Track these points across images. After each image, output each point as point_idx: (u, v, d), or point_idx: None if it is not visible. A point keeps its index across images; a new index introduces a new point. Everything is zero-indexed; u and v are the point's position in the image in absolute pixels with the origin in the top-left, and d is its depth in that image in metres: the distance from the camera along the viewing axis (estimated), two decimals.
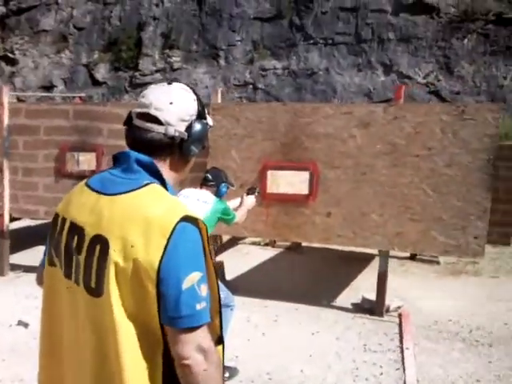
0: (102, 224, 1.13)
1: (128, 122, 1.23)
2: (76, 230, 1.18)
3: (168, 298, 1.07)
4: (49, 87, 23.00)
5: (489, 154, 3.94)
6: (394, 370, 3.46)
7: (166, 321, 1.08)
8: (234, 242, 6.89)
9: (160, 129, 1.19)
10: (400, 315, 4.40)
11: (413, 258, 6.24)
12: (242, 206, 3.70)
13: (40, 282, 1.33)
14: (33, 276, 1.31)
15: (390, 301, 4.55)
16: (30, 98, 19.87)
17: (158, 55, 24.86)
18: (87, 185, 1.23)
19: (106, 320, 1.10)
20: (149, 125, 1.19)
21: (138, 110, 1.22)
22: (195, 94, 1.27)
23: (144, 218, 1.09)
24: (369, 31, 23.78)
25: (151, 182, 1.16)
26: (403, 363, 3.52)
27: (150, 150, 1.19)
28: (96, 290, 1.12)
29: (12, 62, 22.51)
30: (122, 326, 1.09)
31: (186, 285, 1.07)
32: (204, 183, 3.56)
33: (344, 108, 4.38)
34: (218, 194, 3.51)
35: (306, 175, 4.41)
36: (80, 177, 5.04)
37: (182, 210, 1.12)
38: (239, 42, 25.31)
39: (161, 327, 1.10)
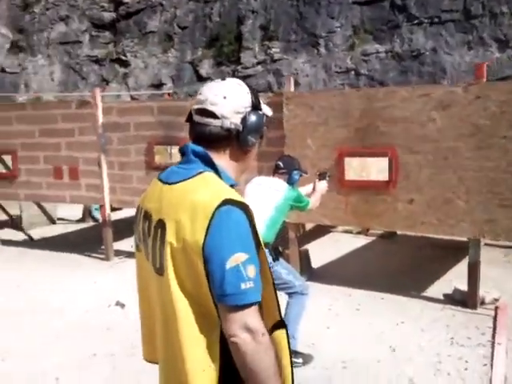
0: (162, 209, 1.26)
1: (189, 118, 1.34)
2: (147, 216, 1.33)
3: (214, 277, 1.14)
4: (158, 85, 24.35)
5: None
6: (481, 366, 3.25)
7: (216, 298, 1.15)
8: (326, 230, 6.83)
9: (217, 122, 1.28)
10: (496, 308, 4.09)
11: None
12: (315, 191, 3.66)
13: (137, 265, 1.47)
14: (134, 261, 1.47)
15: (486, 292, 4.24)
16: (142, 96, 21.14)
17: (258, 47, 25.21)
18: (158, 178, 1.35)
19: (167, 297, 1.21)
20: (206, 119, 1.28)
21: (196, 106, 1.31)
22: (248, 87, 1.33)
23: (191, 202, 1.19)
24: (479, 6, 22.12)
25: (204, 171, 1.25)
26: (492, 359, 3.28)
27: (209, 143, 1.29)
28: (160, 269, 1.25)
29: (125, 63, 24.10)
30: (179, 303, 1.19)
31: (230, 264, 1.13)
32: (276, 171, 3.57)
33: (420, 90, 4.15)
34: (290, 182, 3.49)
35: (384, 161, 4.25)
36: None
37: (226, 193, 1.19)
38: (339, 29, 24.80)
39: (215, 305, 1.17)
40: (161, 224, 1.24)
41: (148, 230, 1.31)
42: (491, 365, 3.22)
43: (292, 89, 4.79)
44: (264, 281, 1.21)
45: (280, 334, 1.29)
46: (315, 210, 4.72)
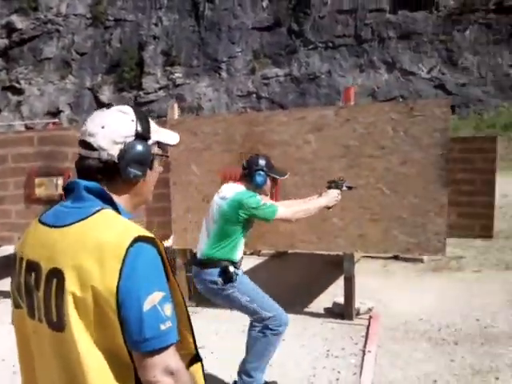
0: (56, 257, 1.11)
1: None
2: (32, 267, 1.16)
3: (130, 322, 1.05)
4: (55, 113, 23.49)
5: (441, 149, 3.89)
6: (351, 375, 3.42)
7: (131, 346, 1.07)
8: None
9: (94, 154, 1.18)
10: (370, 317, 4.34)
11: (396, 257, 6.16)
12: (315, 200, 3.03)
13: (13, 323, 1.30)
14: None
15: (361, 303, 4.49)
16: (38, 124, 20.26)
17: (160, 73, 25.20)
18: (40, 221, 1.22)
19: (72, 353, 1.09)
20: (86, 151, 1.19)
21: (79, 137, 1.22)
22: (137, 114, 1.23)
23: (96, 245, 1.07)
24: (368, 31, 23.78)
25: (102, 208, 1.15)
26: (362, 367, 3.47)
27: (91, 177, 1.19)
28: (58, 324, 1.11)
29: (18, 91, 23.06)
30: (87, 357, 1.08)
31: (147, 306, 1.06)
32: (240, 174, 3.07)
33: (297, 114, 4.38)
34: (254, 185, 2.95)
35: None
36: (49, 201, 5.13)
37: (134, 230, 1.11)
38: (239, 53, 25.51)
39: (129, 353, 1.09)
40: (55, 273, 1.10)
41: (36, 282, 1.15)
42: (360, 373, 3.41)
43: (176, 115, 4.86)
44: (179, 312, 1.17)
45: (197, 368, 1.27)
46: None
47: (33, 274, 1.15)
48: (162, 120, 6.30)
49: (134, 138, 1.20)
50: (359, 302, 4.47)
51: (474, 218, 6.16)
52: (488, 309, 4.40)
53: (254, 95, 23.80)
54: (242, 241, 2.98)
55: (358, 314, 4.40)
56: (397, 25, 23.82)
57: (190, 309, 4.25)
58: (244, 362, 3.06)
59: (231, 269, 2.85)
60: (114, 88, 23.67)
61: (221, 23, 25.66)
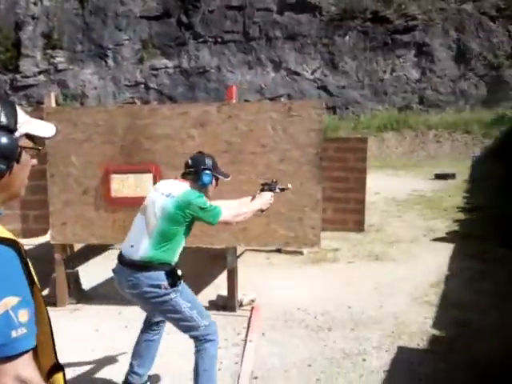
0: None
1: None
2: None
3: None
4: None
5: (316, 148, 4.13)
6: (233, 364, 3.53)
7: None
8: (102, 248, 6.68)
9: None
10: (252, 308, 4.50)
11: (279, 250, 6.43)
12: (250, 202, 2.98)
13: None
14: None
15: (243, 295, 4.64)
16: None
17: (40, 56, 23.59)
18: None
19: None
20: None
21: None
22: (2, 104, 1.17)
23: None
24: (256, 29, 24.28)
25: None
26: (243, 357, 3.60)
27: None
28: None
29: None
30: None
31: None
32: (184, 172, 2.94)
33: (180, 108, 4.39)
34: (201, 184, 2.85)
35: (149, 177, 4.37)
36: None
37: None
38: (127, 41, 24.69)
39: None
40: None
41: None
42: (241, 362, 3.54)
43: (53, 104, 4.62)
44: (40, 322, 1.12)
45: (58, 377, 1.23)
46: (82, 230, 4.64)
47: None
48: (39, 107, 5.96)
49: None
50: (242, 294, 4.61)
51: (347, 212, 6.61)
52: (358, 297, 4.77)
53: (143, 86, 23.22)
54: (183, 242, 2.84)
55: (240, 305, 4.54)
56: (283, 25, 24.57)
57: (70, 306, 4.16)
58: None
59: (179, 272, 2.75)
60: None
61: (106, 8, 24.60)
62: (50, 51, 23.31)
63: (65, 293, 4.71)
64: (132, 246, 2.76)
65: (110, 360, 3.69)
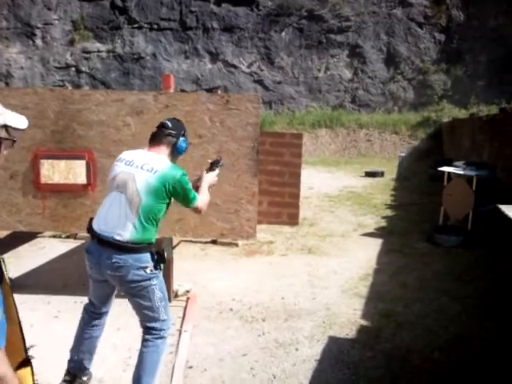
0: None
1: None
2: None
3: None
4: None
5: (253, 142, 4.17)
6: (167, 355, 3.49)
7: None
8: (29, 236, 6.40)
9: None
10: (187, 299, 4.49)
11: (214, 242, 6.44)
12: (201, 185, 2.88)
13: None
14: None
15: (179, 285, 4.61)
16: None
17: None
18: None
19: None
20: None
21: None
22: None
23: None
24: (193, 19, 23.98)
25: None
26: (178, 346, 3.59)
27: None
28: None
29: None
30: None
31: None
32: (157, 135, 2.72)
33: (114, 95, 4.26)
34: (176, 152, 2.75)
35: (82, 164, 4.22)
36: None
37: None
38: (57, 21, 23.58)
39: None
40: None
41: None
42: (176, 351, 3.52)
43: None
44: (9, 320, 1.15)
45: (25, 372, 1.28)
46: (8, 216, 4.41)
47: None
48: None
49: None
50: (177, 285, 4.59)
51: (282, 206, 6.75)
52: (292, 288, 4.87)
53: (74, 69, 22.33)
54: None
55: (176, 296, 4.51)
56: (220, 17, 24.43)
57: None
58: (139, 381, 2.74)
59: (165, 253, 2.64)
60: None
61: None
62: None
63: None
64: (113, 227, 2.60)
65: (41, 351, 3.55)
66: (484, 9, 21.73)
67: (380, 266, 5.55)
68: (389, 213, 8.38)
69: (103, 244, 2.62)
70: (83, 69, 23.23)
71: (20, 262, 5.31)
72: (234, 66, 24.30)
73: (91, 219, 2.84)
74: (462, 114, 18.43)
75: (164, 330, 2.78)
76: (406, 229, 7.19)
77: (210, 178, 2.96)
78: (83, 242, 6.44)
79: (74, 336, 3.01)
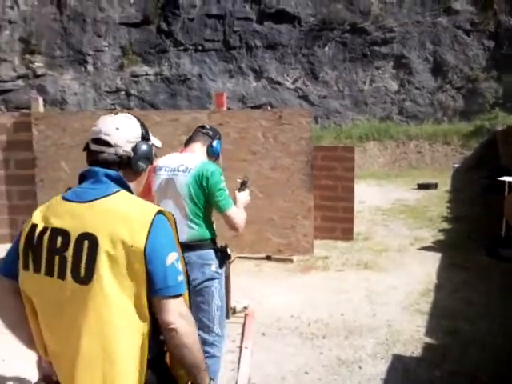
0: (86, 224, 1.41)
1: (87, 147, 1.61)
2: (59, 233, 1.43)
3: (157, 273, 1.38)
4: None
5: (307, 156, 4.15)
6: (229, 372, 3.49)
7: (154, 293, 1.39)
8: None
9: (111, 150, 1.53)
10: (246, 315, 4.47)
11: (269, 258, 6.40)
12: (237, 205, 2.85)
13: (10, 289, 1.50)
14: None
15: (237, 302, 4.60)
16: None
17: (17, 61, 23.22)
18: (63, 198, 1.51)
19: (97, 300, 1.36)
20: (100, 147, 1.55)
21: (92, 136, 1.57)
22: (138, 120, 1.62)
23: (125, 215, 1.41)
24: (236, 38, 24.37)
25: (120, 190, 1.49)
26: (239, 363, 3.57)
27: (108, 167, 1.52)
28: (85, 278, 1.38)
29: None
30: (113, 303, 1.36)
31: (168, 262, 1.40)
32: (194, 135, 2.80)
33: (170, 115, 4.36)
34: (210, 152, 2.78)
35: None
36: None
37: (154, 207, 1.48)
38: (106, 48, 24.48)
39: (148, 303, 1.39)
40: (86, 237, 1.40)
41: (62, 245, 1.41)
42: (238, 368, 3.50)
43: (41, 109, 4.54)
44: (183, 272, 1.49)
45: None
46: None
47: (59, 238, 1.43)
48: (23, 112, 5.87)
49: (140, 139, 1.59)
50: (235, 301, 4.58)
51: (336, 221, 6.66)
52: (350, 305, 4.77)
53: (123, 92, 23.07)
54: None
55: (234, 312, 4.50)
56: (263, 35, 24.72)
57: None
58: None
59: (228, 249, 2.62)
60: None
61: (85, 14, 24.41)
62: (28, 56, 23.01)
63: None
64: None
65: None
66: None
67: (441, 281, 5.37)
68: (446, 226, 8.12)
69: None
70: (132, 92, 23.98)
71: None
72: (279, 83, 24.46)
73: None
74: None
75: (216, 346, 2.71)
76: (465, 242, 6.94)
77: (243, 197, 2.93)
78: None
79: None
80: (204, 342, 2.65)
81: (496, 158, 15.69)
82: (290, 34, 23.73)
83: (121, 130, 1.54)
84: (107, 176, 1.50)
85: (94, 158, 1.55)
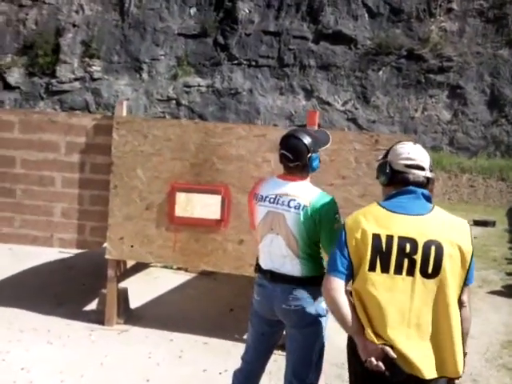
0: (428, 233, 1.87)
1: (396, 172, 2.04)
2: (406, 240, 1.87)
3: (471, 270, 1.91)
4: None
5: None
6: None
7: (469, 281, 1.92)
8: (143, 264, 6.42)
9: (423, 173, 2.01)
10: None
11: None
12: None
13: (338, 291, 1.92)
14: None
15: None
16: None
17: (77, 63, 23.78)
18: (389, 210, 1.95)
19: (441, 289, 1.85)
20: (419, 172, 2.00)
21: (408, 162, 2.01)
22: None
23: (453, 224, 1.93)
24: (291, 56, 24.33)
25: (433, 205, 1.97)
26: None
27: (419, 187, 1.98)
28: (432, 274, 1.86)
29: None
30: (451, 295, 1.86)
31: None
32: (286, 168, 2.50)
33: (257, 130, 4.16)
34: (311, 172, 2.55)
35: (217, 199, 4.12)
36: None
37: (464, 220, 1.98)
38: (163, 57, 24.86)
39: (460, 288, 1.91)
40: (433, 243, 1.86)
41: (411, 249, 1.86)
42: None
43: (124, 113, 4.42)
44: None
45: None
46: (140, 247, 4.38)
47: (407, 245, 1.86)
48: (106, 115, 5.80)
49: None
50: None
51: None
52: None
53: (174, 102, 23.30)
54: None
55: None
56: (318, 55, 24.60)
57: (118, 326, 3.82)
58: None
59: None
60: (24, 71, 21.94)
61: (146, 23, 24.90)
62: (87, 59, 23.59)
63: (114, 311, 4.44)
64: (281, 266, 2.46)
65: None
66: None
67: None
68: None
69: (277, 278, 2.45)
70: (183, 102, 24.20)
71: (137, 292, 5.27)
72: (329, 104, 24.24)
73: (257, 258, 2.67)
74: None
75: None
76: None
77: None
78: (194, 275, 6.37)
79: None
80: None
81: None
82: (345, 55, 23.52)
83: (427, 158, 2.05)
84: (423, 194, 1.96)
85: (412, 180, 1.98)
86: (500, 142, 20.87)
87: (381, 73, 23.38)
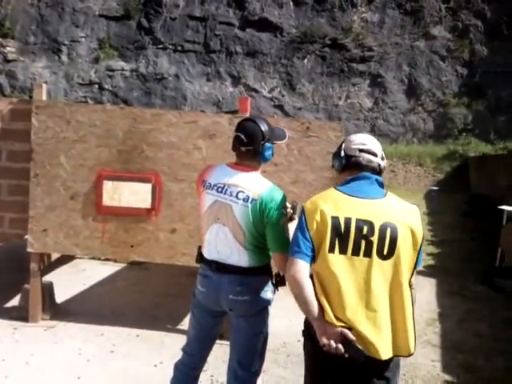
0: (383, 216, 1.94)
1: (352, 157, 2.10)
2: (363, 223, 1.93)
3: (420, 253, 2.00)
4: None
5: (332, 173, 3.92)
6: None
7: (418, 265, 2.00)
8: (69, 256, 6.12)
9: (377, 160, 2.10)
10: None
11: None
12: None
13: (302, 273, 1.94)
14: None
15: None
16: None
17: None
18: (346, 194, 2.01)
19: (396, 270, 1.92)
20: (373, 157, 2.09)
21: (361, 147, 2.10)
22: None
23: (405, 208, 2.01)
24: (217, 42, 24.07)
25: (387, 191, 2.05)
26: None
27: (374, 173, 2.07)
28: (387, 255, 1.92)
29: None
30: (403, 272, 1.93)
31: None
32: (238, 154, 2.43)
33: (188, 117, 4.04)
34: (261, 161, 2.44)
35: (148, 187, 3.98)
36: None
37: (415, 205, 2.06)
38: (83, 39, 23.71)
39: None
40: (388, 225, 1.92)
41: (369, 231, 1.91)
42: None
43: (44, 97, 4.13)
44: None
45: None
46: (65, 239, 4.14)
47: (365, 227, 1.92)
48: (23, 99, 5.41)
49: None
50: None
51: None
52: None
53: (97, 86, 22.37)
54: None
55: None
56: (244, 41, 24.53)
57: (43, 323, 3.65)
58: None
59: (281, 273, 2.37)
60: None
61: (64, 3, 23.64)
62: (0, 40, 22.05)
63: (39, 307, 4.19)
64: (227, 257, 2.40)
65: None
66: (508, 45, 21.65)
67: (443, 311, 5.22)
68: (433, 250, 8.05)
69: (223, 269, 2.39)
70: (106, 86, 23.28)
71: (63, 285, 5.01)
72: (255, 91, 24.27)
73: (199, 247, 2.60)
74: (488, 149, 18.18)
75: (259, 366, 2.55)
76: (458, 268, 6.86)
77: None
78: (124, 265, 6.16)
79: None
80: (236, 379, 2.53)
81: (468, 184, 15.95)
82: (271, 43, 23.61)
83: (378, 146, 2.18)
84: (377, 181, 2.05)
85: (363, 165, 2.06)
86: (417, 129, 21.89)
87: (306, 61, 23.71)
